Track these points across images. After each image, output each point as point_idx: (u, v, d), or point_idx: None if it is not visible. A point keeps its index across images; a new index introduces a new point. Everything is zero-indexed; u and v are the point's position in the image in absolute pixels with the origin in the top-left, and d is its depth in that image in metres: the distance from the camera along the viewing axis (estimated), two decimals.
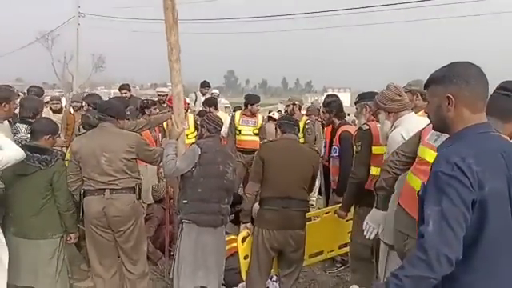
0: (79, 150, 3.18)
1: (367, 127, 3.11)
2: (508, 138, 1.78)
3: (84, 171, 3.18)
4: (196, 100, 7.85)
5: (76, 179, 3.20)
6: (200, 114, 5.93)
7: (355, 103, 3.57)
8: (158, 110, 5.25)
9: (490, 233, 1.46)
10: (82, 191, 3.22)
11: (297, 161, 3.12)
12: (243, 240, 3.32)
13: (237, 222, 3.97)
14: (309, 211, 3.28)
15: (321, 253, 3.65)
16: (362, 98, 3.49)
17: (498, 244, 1.48)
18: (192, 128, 5.70)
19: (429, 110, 1.68)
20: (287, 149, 3.20)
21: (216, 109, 6.17)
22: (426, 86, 1.65)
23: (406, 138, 2.52)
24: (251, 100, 5.90)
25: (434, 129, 1.73)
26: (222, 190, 3.20)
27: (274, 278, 3.56)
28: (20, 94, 6.28)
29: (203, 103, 6.31)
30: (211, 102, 6.10)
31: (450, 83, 1.55)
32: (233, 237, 3.79)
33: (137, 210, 3.29)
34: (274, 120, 6.27)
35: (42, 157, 2.94)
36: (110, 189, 3.15)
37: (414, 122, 2.65)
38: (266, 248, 3.12)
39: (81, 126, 3.97)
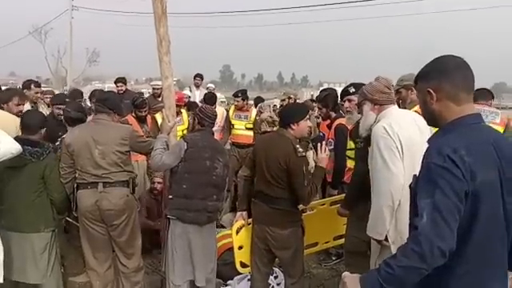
0: (72, 142, 3.14)
1: None
2: None
3: (77, 164, 3.15)
4: (190, 93, 7.83)
5: (69, 171, 3.17)
6: (191, 106, 5.88)
7: (347, 95, 3.48)
8: (146, 113, 5.17)
9: (483, 223, 1.48)
10: (76, 185, 3.19)
11: (270, 156, 2.95)
12: (238, 231, 3.29)
13: (235, 211, 3.95)
14: (292, 211, 3.01)
15: (316, 244, 3.64)
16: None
17: (490, 234, 1.50)
18: (186, 123, 5.67)
19: (420, 105, 1.73)
20: (269, 142, 3.07)
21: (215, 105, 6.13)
22: (415, 83, 1.70)
23: (389, 132, 2.50)
24: (234, 93, 6.04)
25: (428, 124, 1.76)
26: (210, 186, 3.13)
27: (275, 274, 3.55)
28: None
29: (203, 100, 6.24)
30: (211, 100, 5.94)
31: (430, 78, 1.59)
32: (228, 232, 3.78)
33: (130, 204, 3.27)
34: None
35: (33, 149, 2.90)
36: (104, 182, 3.13)
37: (396, 116, 2.63)
38: (255, 240, 3.11)
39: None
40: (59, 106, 4.34)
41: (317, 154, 2.95)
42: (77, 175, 3.19)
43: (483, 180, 1.45)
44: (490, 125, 5.00)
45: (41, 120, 3.11)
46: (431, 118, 1.66)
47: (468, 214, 1.45)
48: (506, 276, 1.61)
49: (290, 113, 3.12)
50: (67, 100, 4.76)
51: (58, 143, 3.96)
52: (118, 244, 3.28)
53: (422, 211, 1.43)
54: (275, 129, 5.47)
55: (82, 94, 6.40)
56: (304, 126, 3.03)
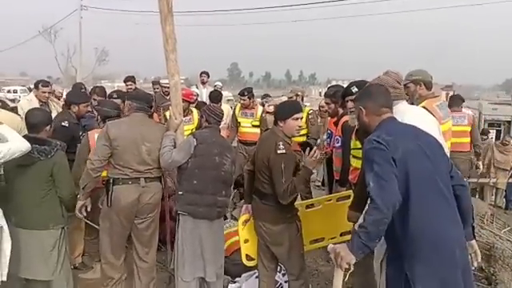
0: (118, 136, 3.15)
1: None
2: None
3: (120, 159, 3.16)
4: (197, 90, 7.82)
5: (103, 165, 3.16)
6: (198, 105, 5.87)
7: (350, 95, 3.42)
8: (153, 110, 5.20)
9: (416, 186, 1.95)
10: (112, 180, 3.19)
11: (258, 153, 3.06)
12: (244, 224, 3.30)
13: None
14: (284, 207, 2.97)
15: (322, 239, 3.62)
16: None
17: (427, 189, 1.97)
18: (196, 123, 5.65)
19: (356, 118, 2.38)
20: (261, 139, 3.20)
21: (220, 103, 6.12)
22: (354, 103, 2.43)
23: None
24: (240, 92, 6.05)
25: (363, 133, 2.33)
26: (219, 181, 3.17)
27: (283, 271, 3.54)
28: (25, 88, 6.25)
29: (209, 98, 6.23)
30: (217, 99, 5.95)
31: (360, 100, 2.31)
32: (236, 228, 3.77)
33: (161, 198, 3.42)
34: (268, 112, 6.22)
35: (41, 147, 2.91)
36: (145, 177, 3.21)
37: (408, 114, 2.51)
38: (258, 236, 3.15)
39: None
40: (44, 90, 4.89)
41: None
42: (114, 170, 3.19)
43: (405, 149, 1.98)
44: (459, 126, 5.49)
45: (44, 117, 3.11)
46: (363, 127, 2.29)
47: (403, 177, 1.94)
48: (457, 221, 2.04)
49: (279, 110, 3.12)
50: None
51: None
52: (141, 238, 3.33)
53: (369, 181, 1.92)
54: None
55: (84, 86, 6.53)
56: (291, 124, 2.99)
